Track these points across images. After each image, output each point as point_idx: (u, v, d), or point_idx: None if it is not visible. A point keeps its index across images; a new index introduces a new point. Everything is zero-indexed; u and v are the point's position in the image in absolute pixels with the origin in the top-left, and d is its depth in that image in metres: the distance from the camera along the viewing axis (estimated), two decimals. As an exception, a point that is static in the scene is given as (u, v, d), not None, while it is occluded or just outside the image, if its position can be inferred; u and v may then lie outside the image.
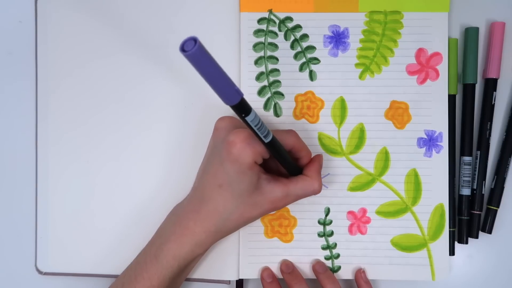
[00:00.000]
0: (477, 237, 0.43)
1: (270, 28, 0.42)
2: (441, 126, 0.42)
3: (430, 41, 0.42)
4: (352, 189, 0.42)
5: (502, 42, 0.42)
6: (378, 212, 0.42)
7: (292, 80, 0.42)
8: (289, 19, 0.42)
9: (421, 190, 0.42)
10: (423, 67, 0.42)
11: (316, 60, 0.42)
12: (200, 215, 0.36)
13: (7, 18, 0.45)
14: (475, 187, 0.43)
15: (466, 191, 0.43)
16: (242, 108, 0.28)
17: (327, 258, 0.42)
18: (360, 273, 0.41)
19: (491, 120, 0.43)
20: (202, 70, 0.25)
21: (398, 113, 0.42)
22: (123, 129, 0.43)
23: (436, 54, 0.42)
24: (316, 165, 0.37)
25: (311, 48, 0.42)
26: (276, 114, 0.42)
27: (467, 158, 0.43)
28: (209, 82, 0.26)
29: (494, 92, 0.43)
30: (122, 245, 0.42)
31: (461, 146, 0.43)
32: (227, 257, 0.42)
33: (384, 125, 0.42)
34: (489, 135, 0.43)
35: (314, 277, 0.42)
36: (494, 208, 0.43)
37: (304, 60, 0.42)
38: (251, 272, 0.42)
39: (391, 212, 0.42)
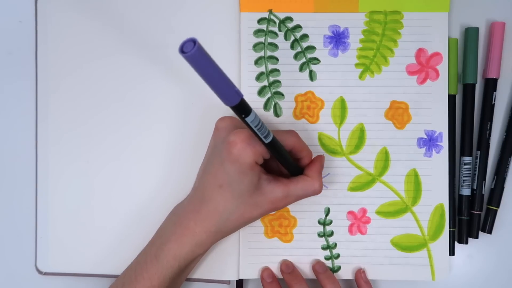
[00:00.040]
0: (477, 237, 0.43)
1: (270, 28, 0.42)
2: (441, 126, 0.42)
3: (430, 41, 0.42)
4: (352, 189, 0.42)
5: (502, 42, 0.42)
6: (378, 212, 0.42)
7: (292, 80, 0.42)
8: (289, 19, 0.42)
9: (421, 190, 0.42)
10: (423, 67, 0.42)
11: (316, 60, 0.42)
12: (201, 215, 0.36)
13: (7, 18, 0.45)
14: (475, 187, 0.43)
15: (466, 191, 0.43)
16: (242, 109, 0.28)
17: (327, 258, 0.42)
18: (360, 273, 0.41)
19: (491, 120, 0.43)
20: (202, 71, 0.25)
21: (398, 113, 0.42)
22: (123, 129, 0.43)
23: (436, 54, 0.42)
24: (318, 165, 0.37)
25: (311, 48, 0.42)
26: (276, 114, 0.42)
27: (467, 158, 0.43)
28: (209, 83, 0.26)
29: (494, 92, 0.43)
30: (122, 245, 0.42)
31: (461, 146, 0.43)
32: (227, 257, 0.42)
33: (384, 125, 0.42)
34: (489, 135, 0.43)
35: (314, 277, 0.42)
36: (494, 208, 0.43)
37: (304, 60, 0.42)
38: (251, 272, 0.42)
39: (391, 212, 0.42)
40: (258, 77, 0.42)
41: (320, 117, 0.42)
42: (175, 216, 0.39)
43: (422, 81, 0.42)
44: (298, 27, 0.42)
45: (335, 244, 0.42)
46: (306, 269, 0.42)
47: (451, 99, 0.43)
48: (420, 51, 0.42)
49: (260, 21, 0.42)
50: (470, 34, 0.43)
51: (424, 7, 0.42)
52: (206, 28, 0.42)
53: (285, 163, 0.36)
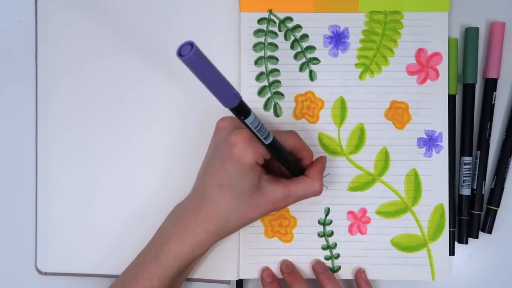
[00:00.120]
0: (477, 237, 0.43)
1: (270, 28, 0.42)
2: (441, 126, 0.42)
3: (430, 41, 0.42)
4: (352, 189, 0.42)
5: (502, 42, 0.42)
6: (378, 212, 0.42)
7: (292, 80, 0.42)
8: (289, 19, 0.42)
9: (421, 190, 0.42)
10: (423, 67, 0.42)
11: (316, 60, 0.42)
12: (201, 215, 0.36)
13: (7, 18, 0.45)
14: (475, 187, 0.43)
15: (466, 191, 0.43)
16: (241, 110, 0.28)
17: (327, 258, 0.42)
18: (360, 273, 0.41)
19: (491, 120, 0.43)
20: (200, 74, 0.25)
21: (398, 113, 0.42)
22: (123, 129, 0.43)
23: (436, 54, 0.42)
24: (319, 166, 0.37)
25: (311, 48, 0.42)
26: (276, 114, 0.42)
27: (467, 158, 0.43)
28: (207, 85, 0.26)
29: (494, 92, 0.43)
30: (122, 245, 0.42)
31: (461, 146, 0.43)
32: (227, 257, 0.42)
33: (384, 125, 0.42)
34: (489, 135, 0.43)
35: (314, 277, 0.42)
36: (494, 208, 0.43)
37: (304, 60, 0.42)
38: (251, 272, 0.42)
39: (391, 212, 0.42)
40: (258, 77, 0.42)
41: (320, 117, 0.42)
42: (175, 216, 0.39)
43: (422, 81, 0.42)
44: (298, 27, 0.42)
45: (335, 244, 0.42)
46: (306, 269, 0.42)
47: (451, 99, 0.43)
48: (420, 51, 0.42)
49: (260, 21, 0.42)
50: (470, 34, 0.43)
51: (424, 7, 0.42)
52: (206, 28, 0.42)
53: (286, 163, 0.36)
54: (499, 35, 0.42)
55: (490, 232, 0.43)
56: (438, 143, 0.42)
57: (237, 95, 0.27)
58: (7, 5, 0.45)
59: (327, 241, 0.42)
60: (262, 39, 0.42)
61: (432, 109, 0.42)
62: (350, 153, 0.42)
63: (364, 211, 0.42)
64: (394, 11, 0.42)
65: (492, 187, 0.43)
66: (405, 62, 0.42)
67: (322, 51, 0.42)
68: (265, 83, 0.42)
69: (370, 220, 0.42)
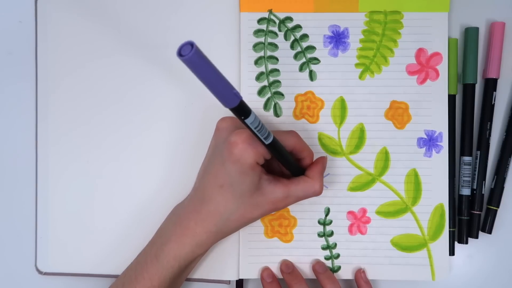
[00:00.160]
0: (477, 237, 0.43)
1: (270, 28, 0.42)
2: (441, 126, 0.42)
3: (430, 41, 0.42)
4: (352, 189, 0.42)
5: (502, 42, 0.42)
6: (378, 212, 0.42)
7: (292, 80, 0.42)
8: (289, 19, 0.42)
9: (421, 190, 0.42)
10: (423, 67, 0.42)
11: (316, 60, 0.42)
12: (201, 215, 0.36)
13: (7, 18, 0.45)
14: (475, 187, 0.43)
15: (466, 191, 0.43)
16: (241, 110, 0.28)
17: (327, 258, 0.42)
18: (360, 273, 0.41)
19: (491, 120, 0.43)
20: (200, 74, 0.25)
21: (398, 113, 0.42)
22: (123, 129, 0.43)
23: (436, 54, 0.42)
24: (319, 166, 0.37)
25: (311, 48, 0.42)
26: (276, 114, 0.42)
27: (467, 158, 0.43)
28: (207, 85, 0.26)
29: (494, 92, 0.43)
30: (122, 245, 0.42)
31: (461, 146, 0.43)
32: (227, 257, 0.42)
33: (384, 125, 0.42)
34: (489, 135, 0.43)
35: (314, 277, 0.42)
36: (494, 208, 0.43)
37: (304, 60, 0.42)
38: (251, 272, 0.42)
39: (391, 212, 0.42)
40: (258, 77, 0.42)
41: (320, 117, 0.42)
42: (176, 216, 0.39)
43: (422, 81, 0.42)
44: (298, 27, 0.42)
45: (335, 244, 0.42)
46: (306, 269, 0.42)
47: (451, 99, 0.43)
48: (420, 51, 0.42)
49: (260, 21, 0.42)
50: (470, 34, 0.43)
51: (424, 7, 0.42)
52: (206, 28, 0.42)
53: (286, 163, 0.36)
54: (499, 35, 0.42)
55: (490, 232, 0.43)
56: (438, 143, 0.42)
57: (237, 95, 0.27)
58: (7, 5, 0.45)
59: (327, 241, 0.42)
60: (262, 39, 0.42)
61: (432, 109, 0.42)
62: (350, 153, 0.42)
63: (364, 211, 0.42)
64: (394, 11, 0.42)
65: (492, 187, 0.43)
66: (405, 62, 0.42)
67: (322, 51, 0.42)
68: (265, 83, 0.42)
69: (370, 220, 0.42)
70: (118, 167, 0.43)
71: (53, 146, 0.43)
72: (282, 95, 0.42)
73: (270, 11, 0.42)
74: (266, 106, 0.42)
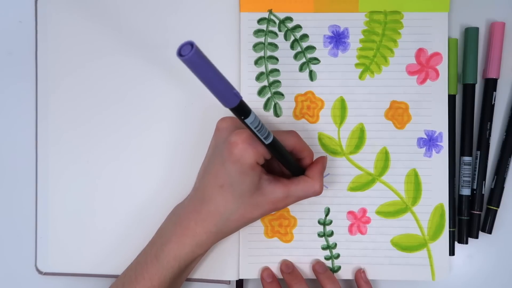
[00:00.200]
0: (477, 237, 0.43)
1: (270, 28, 0.42)
2: (441, 126, 0.42)
3: (430, 41, 0.42)
4: (352, 189, 0.42)
5: (502, 42, 0.42)
6: (378, 212, 0.42)
7: (292, 80, 0.42)
8: (289, 19, 0.42)
9: (421, 190, 0.42)
10: (423, 67, 0.42)
11: (316, 60, 0.42)
12: (201, 215, 0.36)
13: (7, 18, 0.45)
14: (475, 187, 0.43)
15: (466, 191, 0.43)
16: (241, 110, 0.28)
17: (327, 258, 0.42)
18: (360, 273, 0.41)
19: (491, 120, 0.43)
20: (200, 74, 0.25)
21: (398, 113, 0.42)
22: (123, 129, 0.43)
23: (436, 54, 0.42)
24: (319, 166, 0.37)
25: (311, 48, 0.42)
26: (276, 114, 0.42)
27: (467, 158, 0.43)
28: (207, 85, 0.26)
29: (494, 92, 0.43)
30: (122, 245, 0.42)
31: (461, 146, 0.43)
32: (227, 257, 0.42)
33: (384, 125, 0.42)
34: (489, 135, 0.43)
35: (314, 277, 0.42)
36: (494, 208, 0.43)
37: (304, 60, 0.42)
38: (251, 272, 0.42)
39: (391, 212, 0.42)
40: (258, 77, 0.42)
41: (320, 117, 0.42)
42: (176, 216, 0.39)
43: (422, 81, 0.42)
44: (298, 27, 0.42)
45: (335, 244, 0.42)
46: (306, 269, 0.42)
47: (451, 99, 0.43)
48: (420, 51, 0.42)
49: (260, 21, 0.42)
50: (470, 34, 0.43)
51: (424, 7, 0.42)
52: (206, 28, 0.42)
53: (286, 163, 0.36)
54: (499, 35, 0.42)
55: (490, 232, 0.43)
56: (438, 143, 0.42)
57: (237, 95, 0.27)
58: (7, 5, 0.45)
59: (327, 241, 0.42)
60: (262, 39, 0.42)
61: (432, 109, 0.42)
62: (350, 153, 0.42)
63: (364, 211, 0.42)
64: (394, 11, 0.42)
65: (492, 187, 0.43)
66: (405, 62, 0.42)
67: (322, 51, 0.42)
68: (265, 83, 0.42)
69: (370, 220, 0.42)
70: (118, 167, 0.43)
71: (53, 146, 0.43)
72: (282, 95, 0.42)
73: (270, 11, 0.42)
74: (266, 106, 0.42)
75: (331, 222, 0.42)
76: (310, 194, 0.37)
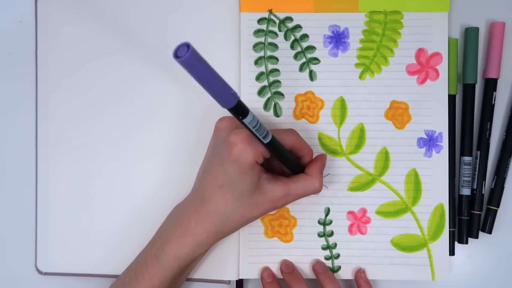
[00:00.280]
0: (477, 237, 0.43)
1: (270, 28, 0.42)
2: (441, 126, 0.42)
3: (430, 41, 0.42)
4: (352, 189, 0.42)
5: (502, 42, 0.42)
6: (378, 212, 0.42)
7: (292, 80, 0.42)
8: (289, 19, 0.42)
9: (421, 190, 0.42)
10: (423, 67, 0.42)
11: (316, 60, 0.42)
12: (201, 215, 0.36)
13: (7, 18, 0.45)
14: (475, 187, 0.43)
15: (466, 191, 0.43)
16: (239, 110, 0.29)
17: (327, 258, 0.42)
18: (360, 273, 0.41)
19: (491, 120, 0.43)
20: (196, 75, 0.25)
21: (398, 113, 0.42)
22: (123, 129, 0.43)
23: (436, 54, 0.42)
24: (319, 164, 0.37)
25: (311, 48, 0.42)
26: (276, 114, 0.42)
27: (467, 158, 0.43)
28: (204, 86, 0.26)
29: (494, 92, 0.43)
30: (122, 245, 0.42)
31: (461, 146, 0.43)
32: (227, 257, 0.42)
33: (384, 125, 0.42)
34: (489, 135, 0.43)
35: (314, 277, 0.42)
36: (494, 208, 0.43)
37: (304, 60, 0.42)
38: (251, 272, 0.42)
39: (391, 212, 0.42)
40: (258, 77, 0.42)
41: (320, 117, 0.42)
42: (176, 216, 0.39)
43: (422, 81, 0.42)
44: (298, 27, 0.42)
45: (335, 244, 0.42)
46: (306, 269, 0.42)
47: (451, 99, 0.43)
48: (420, 51, 0.42)
49: (260, 21, 0.42)
50: (470, 34, 0.43)
51: (424, 7, 0.42)
52: (206, 28, 0.42)
53: (286, 162, 0.36)
54: (499, 35, 0.42)
55: (490, 232, 0.43)
56: (438, 143, 0.42)
57: (234, 95, 0.27)
58: (7, 5, 0.45)
59: (327, 241, 0.42)
60: (262, 39, 0.42)
61: (432, 109, 0.42)
62: (350, 153, 0.42)
63: (364, 211, 0.42)
64: (394, 11, 0.42)
65: (492, 187, 0.43)
66: (405, 62, 0.42)
67: (322, 51, 0.42)
68: (265, 83, 0.42)
69: (370, 220, 0.42)
70: (118, 167, 0.43)
71: (53, 146, 0.43)
72: (282, 95, 0.42)
73: (270, 11, 0.42)
74: (266, 106, 0.42)
75: (331, 222, 0.42)
76: (309, 192, 0.37)
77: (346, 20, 0.42)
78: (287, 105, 0.42)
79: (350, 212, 0.42)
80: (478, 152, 0.43)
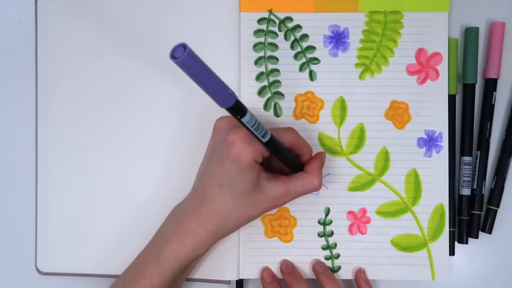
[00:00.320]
0: (477, 237, 0.43)
1: (270, 28, 0.42)
2: (441, 126, 0.42)
3: (430, 41, 0.42)
4: (352, 189, 0.42)
5: (502, 42, 0.42)
6: (378, 212, 0.42)
7: (292, 80, 0.42)
8: (289, 19, 0.42)
9: (421, 190, 0.42)
10: (423, 67, 0.42)
11: (316, 60, 0.42)
12: (201, 215, 0.36)
13: (7, 18, 0.45)
14: (475, 187, 0.43)
15: (466, 191, 0.43)
16: (237, 110, 0.29)
17: (327, 258, 0.42)
18: (360, 273, 0.41)
19: (491, 120, 0.43)
20: (193, 76, 0.26)
21: (398, 113, 0.42)
22: (123, 129, 0.43)
23: (436, 54, 0.42)
24: (318, 161, 0.37)
25: (311, 48, 0.42)
26: (276, 114, 0.42)
27: (467, 158, 0.43)
28: (202, 86, 0.26)
29: (494, 92, 0.43)
30: (122, 245, 0.42)
31: (461, 146, 0.43)
32: (227, 257, 0.42)
33: (384, 125, 0.42)
34: (489, 135, 0.43)
35: (314, 277, 0.42)
36: (494, 208, 0.43)
37: (304, 60, 0.42)
38: (251, 272, 0.42)
39: (391, 212, 0.42)
40: (258, 77, 0.42)
41: (320, 117, 0.42)
42: (176, 216, 0.39)
43: (422, 81, 0.42)
44: (298, 27, 0.42)
45: (335, 244, 0.42)
46: (306, 269, 0.42)
47: (451, 99, 0.43)
48: (420, 51, 0.42)
49: (260, 21, 0.42)
50: (470, 34, 0.43)
51: (424, 7, 0.42)
52: (206, 28, 0.42)
53: (285, 160, 0.36)
54: (499, 35, 0.42)
55: (490, 232, 0.43)
56: (438, 143, 0.42)
57: (232, 94, 0.27)
58: (7, 5, 0.45)
59: (327, 241, 0.42)
60: (262, 39, 0.42)
61: (432, 109, 0.42)
62: (350, 153, 0.42)
63: (364, 211, 0.42)
64: (394, 11, 0.42)
65: (492, 187, 0.43)
66: (405, 62, 0.42)
67: (322, 51, 0.42)
68: (265, 83, 0.42)
69: (370, 220, 0.42)
70: (118, 167, 0.43)
71: (53, 146, 0.43)
72: (282, 95, 0.42)
73: (270, 11, 0.42)
74: (266, 106, 0.42)
75: (331, 222, 0.42)
76: (309, 190, 0.37)
77: (346, 20, 0.42)
78: (287, 105, 0.42)
79: (350, 212, 0.42)
80: (478, 152, 0.43)
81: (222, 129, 0.36)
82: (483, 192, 0.43)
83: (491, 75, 0.42)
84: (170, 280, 0.37)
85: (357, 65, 0.42)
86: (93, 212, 0.43)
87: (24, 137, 0.44)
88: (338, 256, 0.42)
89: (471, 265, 0.44)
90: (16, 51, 0.45)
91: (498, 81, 0.43)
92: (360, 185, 0.42)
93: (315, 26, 0.42)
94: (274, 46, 0.42)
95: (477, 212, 0.43)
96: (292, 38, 0.42)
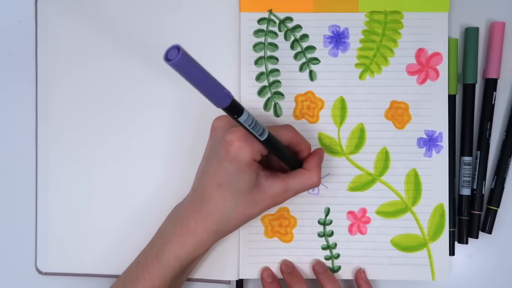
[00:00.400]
0: (477, 237, 0.43)
1: (270, 28, 0.42)
2: (441, 126, 0.42)
3: (430, 41, 0.42)
4: (352, 189, 0.42)
5: (502, 42, 0.42)
6: (378, 212, 0.42)
7: (292, 80, 0.42)
8: (289, 19, 0.42)
9: (421, 190, 0.42)
10: (423, 67, 0.42)
11: (316, 60, 0.42)
12: (201, 215, 0.36)
13: (7, 18, 0.45)
14: (475, 187, 0.43)
15: (466, 191, 0.43)
16: (233, 109, 0.29)
17: (327, 258, 0.42)
18: (360, 273, 0.41)
19: (491, 120, 0.43)
20: (188, 77, 0.26)
21: (398, 113, 0.42)
22: (123, 129, 0.43)
23: (436, 54, 0.42)
24: (316, 158, 0.37)
25: (311, 48, 0.42)
26: (276, 114, 0.42)
27: (467, 158, 0.43)
28: (197, 87, 0.27)
29: (494, 92, 0.43)
30: (122, 245, 0.42)
31: (461, 146, 0.43)
32: (227, 257, 0.42)
33: (384, 125, 0.42)
34: (489, 135, 0.43)
35: (314, 277, 0.42)
36: (494, 208, 0.43)
37: (304, 60, 0.42)
38: (251, 272, 0.42)
39: (391, 212, 0.42)
40: (258, 77, 0.42)
41: (320, 117, 0.42)
42: (176, 216, 0.39)
43: (422, 81, 0.42)
44: (298, 27, 0.42)
45: (335, 244, 0.42)
46: (306, 269, 0.42)
47: (451, 99, 0.43)
48: (420, 51, 0.42)
49: (260, 21, 0.42)
50: (470, 34, 0.43)
51: (424, 7, 0.42)
52: (206, 28, 0.42)
53: (284, 158, 0.36)
54: (499, 35, 0.42)
55: (490, 232, 0.43)
56: (438, 143, 0.42)
57: (228, 94, 0.28)
58: (7, 5, 0.45)
59: (327, 241, 0.42)
60: (262, 39, 0.42)
61: (432, 109, 0.42)
62: (350, 153, 0.42)
63: (364, 211, 0.42)
64: (394, 11, 0.42)
65: (492, 187, 0.43)
66: (405, 62, 0.42)
67: (322, 51, 0.42)
68: (265, 83, 0.42)
69: (370, 220, 0.42)
70: (118, 167, 0.43)
71: (53, 146, 0.43)
72: (282, 95, 0.42)
73: (270, 11, 0.42)
74: (266, 106, 0.42)
75: (331, 222, 0.42)
76: (308, 187, 0.37)
77: (346, 20, 0.42)
78: (287, 105, 0.42)
79: (350, 212, 0.42)
80: (478, 152, 0.43)
81: (220, 128, 0.36)
82: (483, 192, 0.43)
83: (491, 75, 0.42)
84: (171, 280, 0.37)
85: (357, 65, 0.42)
86: (93, 212, 0.43)
87: (24, 137, 0.44)
88: (338, 256, 0.42)
89: (471, 265, 0.44)
90: (16, 51, 0.45)
91: (498, 81, 0.43)
92: (360, 185, 0.42)
93: (315, 26, 0.42)
94: (274, 46, 0.42)
95: (477, 212, 0.43)
96: (292, 38, 0.42)
